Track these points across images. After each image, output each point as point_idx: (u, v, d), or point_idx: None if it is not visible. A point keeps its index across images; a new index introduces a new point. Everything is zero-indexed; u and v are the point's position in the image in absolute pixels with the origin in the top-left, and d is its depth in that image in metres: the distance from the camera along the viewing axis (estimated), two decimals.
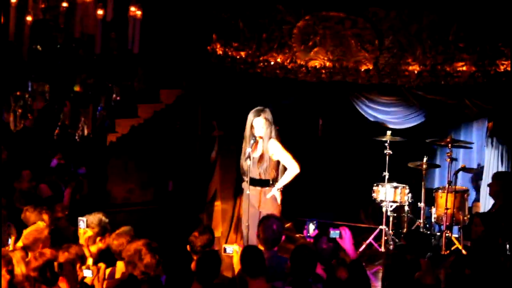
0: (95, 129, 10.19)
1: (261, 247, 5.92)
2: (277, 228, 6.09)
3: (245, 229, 7.09)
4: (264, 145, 7.17)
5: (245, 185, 7.33)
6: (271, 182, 7.24)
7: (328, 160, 10.70)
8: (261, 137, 7.20)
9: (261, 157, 7.18)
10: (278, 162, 7.34)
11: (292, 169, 7.24)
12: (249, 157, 7.07)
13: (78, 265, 5.49)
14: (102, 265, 5.63)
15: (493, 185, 8.24)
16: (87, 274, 5.51)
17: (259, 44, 9.06)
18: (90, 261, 5.65)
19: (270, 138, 7.18)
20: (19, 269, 5.51)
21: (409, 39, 8.69)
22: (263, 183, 7.19)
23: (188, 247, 5.96)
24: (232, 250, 5.91)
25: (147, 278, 5.21)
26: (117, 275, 5.68)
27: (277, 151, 7.21)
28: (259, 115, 7.15)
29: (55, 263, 5.31)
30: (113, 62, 9.96)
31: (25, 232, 5.96)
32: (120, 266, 5.69)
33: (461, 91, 8.69)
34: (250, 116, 7.22)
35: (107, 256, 5.95)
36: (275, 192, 7.19)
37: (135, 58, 8.62)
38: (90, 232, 6.07)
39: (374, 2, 8.73)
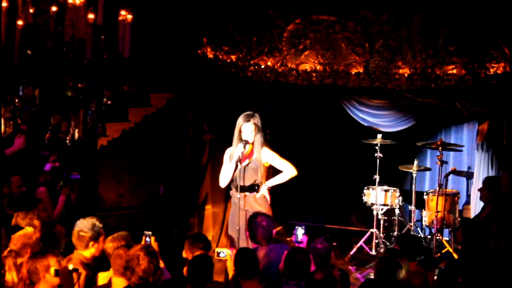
0: (86, 133, 10.13)
1: (253, 245, 5.97)
2: (267, 223, 6.12)
3: (236, 233, 7.06)
4: (257, 153, 7.14)
5: (233, 191, 7.28)
6: (261, 186, 7.23)
7: (319, 163, 10.71)
8: (248, 142, 7.12)
9: (254, 164, 7.15)
10: (268, 168, 7.34)
11: (290, 171, 7.25)
12: (239, 161, 7.03)
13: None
14: (82, 272, 5.55)
15: (483, 190, 8.26)
16: None
17: (249, 48, 9.06)
18: (70, 266, 5.56)
19: (262, 146, 7.16)
20: (10, 276, 5.46)
21: (399, 42, 8.72)
22: (254, 188, 7.17)
23: (183, 253, 5.95)
24: (225, 254, 5.90)
25: (146, 285, 5.10)
26: (104, 281, 5.63)
27: (271, 158, 7.20)
28: (248, 120, 7.12)
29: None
30: (104, 66, 9.92)
31: (14, 237, 5.91)
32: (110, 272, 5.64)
33: (452, 94, 8.72)
34: (240, 120, 7.19)
35: (101, 262, 5.91)
36: (264, 191, 7.18)
37: (126, 62, 8.60)
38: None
39: (364, 5, 8.74)
